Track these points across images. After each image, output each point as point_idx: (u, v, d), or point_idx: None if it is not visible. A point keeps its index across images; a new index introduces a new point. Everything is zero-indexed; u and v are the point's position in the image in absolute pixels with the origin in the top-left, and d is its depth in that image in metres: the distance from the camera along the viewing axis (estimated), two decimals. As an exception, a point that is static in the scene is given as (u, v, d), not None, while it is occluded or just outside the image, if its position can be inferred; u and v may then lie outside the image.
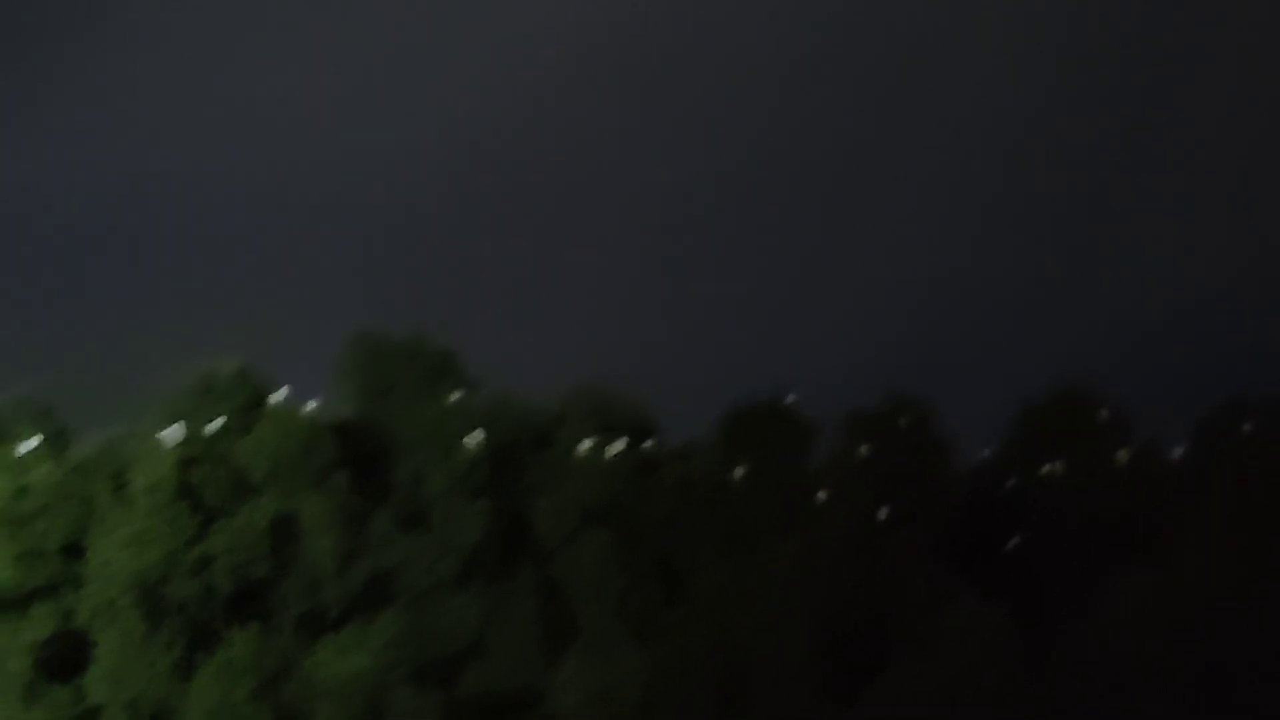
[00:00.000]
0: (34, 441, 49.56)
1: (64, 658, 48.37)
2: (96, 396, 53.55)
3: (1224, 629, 46.46)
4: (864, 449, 51.86)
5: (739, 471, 51.37)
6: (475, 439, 50.88)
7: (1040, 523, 51.49)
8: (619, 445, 51.19)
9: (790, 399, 52.82)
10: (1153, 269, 78.28)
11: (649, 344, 72.22)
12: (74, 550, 49.00)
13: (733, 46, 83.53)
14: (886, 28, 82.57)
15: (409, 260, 77.61)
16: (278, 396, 51.01)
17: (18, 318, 72.43)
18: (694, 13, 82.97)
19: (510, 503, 51.24)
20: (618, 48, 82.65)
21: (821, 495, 50.83)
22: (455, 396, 51.91)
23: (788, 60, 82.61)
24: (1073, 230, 79.53)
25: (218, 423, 50.20)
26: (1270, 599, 46.89)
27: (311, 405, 51.11)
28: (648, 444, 52.15)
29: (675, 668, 48.00)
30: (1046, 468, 51.84)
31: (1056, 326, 73.14)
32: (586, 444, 51.25)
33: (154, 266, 77.05)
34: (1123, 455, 51.66)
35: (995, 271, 77.46)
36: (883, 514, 50.01)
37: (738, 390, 53.17)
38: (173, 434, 49.61)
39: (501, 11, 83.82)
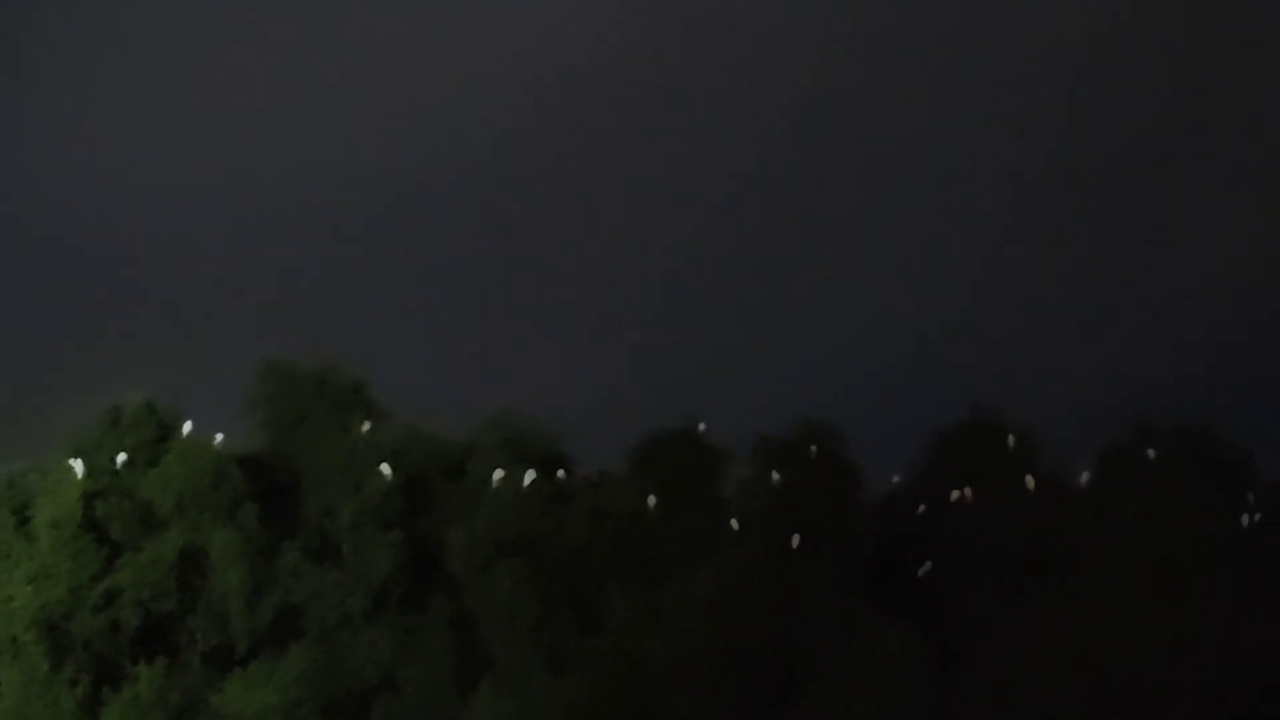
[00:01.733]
0: (-66, 475, 48.94)
1: (-34, 696, 47.67)
2: (-2, 430, 52.87)
3: (1127, 653, 46.84)
4: (776, 477, 51.96)
5: (651, 501, 51.33)
6: (386, 470, 50.59)
7: (950, 549, 51.75)
8: (531, 476, 51.05)
9: (702, 428, 52.89)
10: (1060, 298, 79.13)
11: (561, 375, 72.17)
12: (-24, 587, 48.33)
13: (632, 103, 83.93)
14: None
15: (318, 290, 77.22)
16: (185, 429, 50.56)
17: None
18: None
19: (422, 534, 50.98)
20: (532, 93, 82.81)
21: (734, 523, 50.85)
22: (366, 427, 51.64)
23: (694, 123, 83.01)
24: (980, 259, 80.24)
25: (123, 456, 49.69)
26: (1173, 623, 47.34)
27: (219, 437, 50.69)
28: (560, 474, 52.04)
29: (589, 697, 47.87)
30: (956, 494, 52.10)
31: (966, 354, 73.70)
32: (499, 474, 51.07)
33: (55, 298, 76.23)
34: (1030, 481, 52.01)
35: (904, 301, 78.05)
36: (795, 541, 50.10)
37: (650, 420, 53.21)
38: (77, 468, 49.05)
39: (405, 45, 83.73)
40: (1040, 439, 53.02)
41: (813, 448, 52.51)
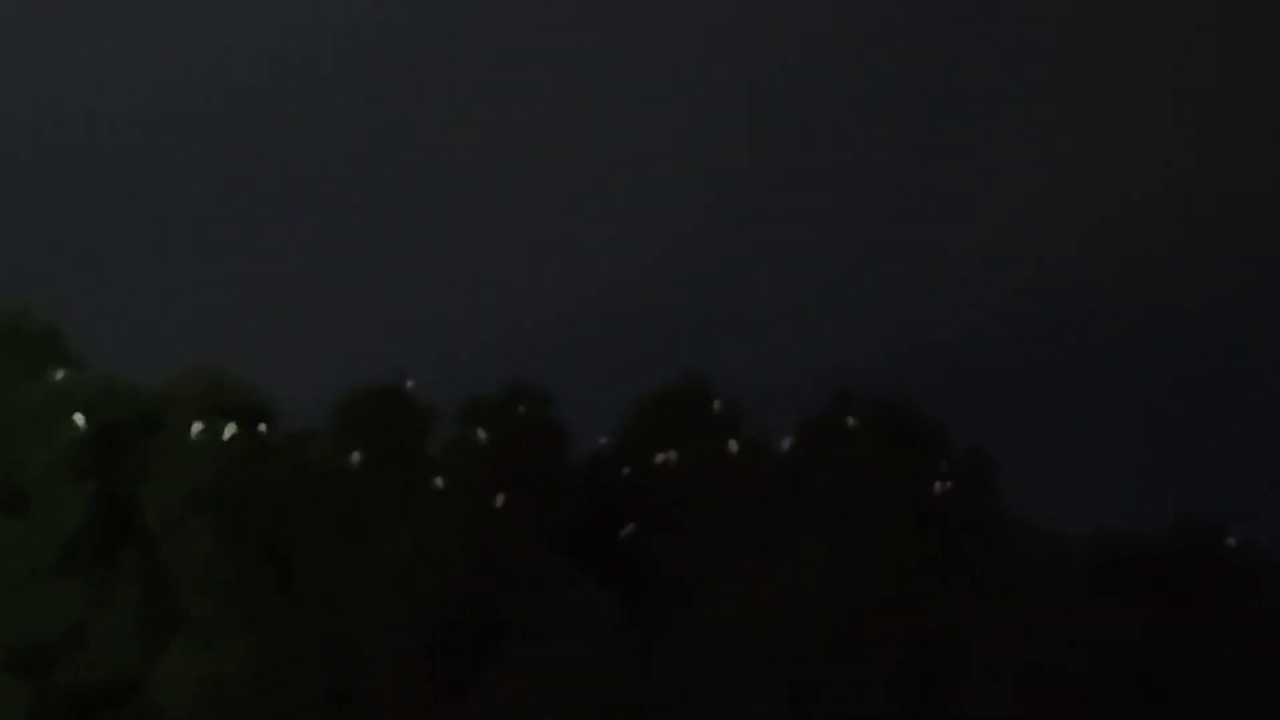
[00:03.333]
0: None
1: None
2: None
3: (816, 623, 47.77)
4: (482, 436, 51.73)
5: (355, 457, 50.69)
6: (79, 420, 49.15)
7: (653, 512, 52.15)
8: (231, 429, 50.01)
9: (408, 385, 52.37)
10: (770, 262, 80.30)
11: (265, 327, 70.92)
12: None
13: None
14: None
15: (12, 232, 74.61)
16: None
17: None
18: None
19: (116, 487, 49.66)
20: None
21: (438, 482, 50.50)
22: (59, 375, 50.10)
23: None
24: (694, 221, 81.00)
25: None
26: (865, 588, 48.43)
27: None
28: (262, 428, 51.08)
29: (284, 657, 47.18)
30: (660, 457, 52.49)
31: (675, 317, 74.37)
32: (197, 427, 49.93)
33: None
34: (734, 445, 52.65)
35: (617, 262, 78.40)
36: (499, 501, 49.96)
37: (355, 376, 52.51)
38: None
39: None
40: (745, 405, 53.74)
41: (520, 408, 52.39)
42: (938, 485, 51.87)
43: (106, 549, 49.33)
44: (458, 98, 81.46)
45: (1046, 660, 47.99)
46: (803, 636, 47.74)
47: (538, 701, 46.31)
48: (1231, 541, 52.50)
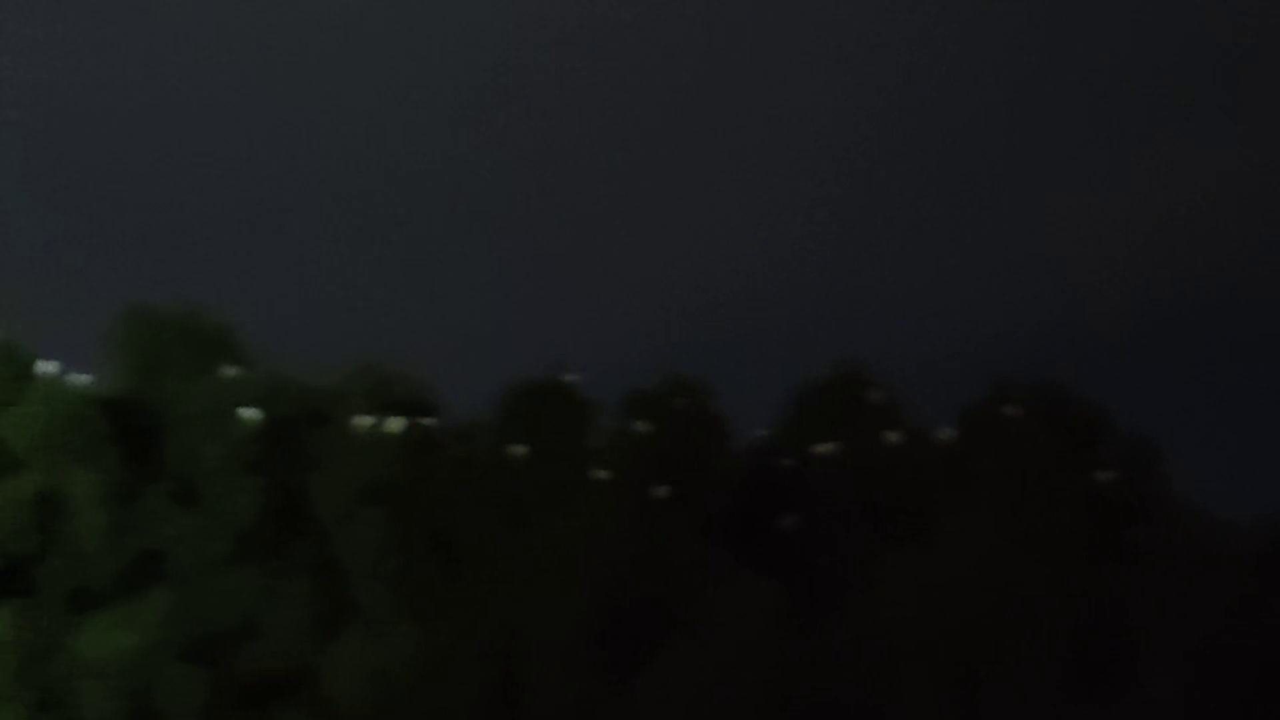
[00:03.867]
0: None
1: None
2: None
3: (981, 610, 47.59)
4: (642, 428, 52.19)
5: (518, 450, 51.37)
6: (250, 415, 50.24)
7: (813, 502, 52.29)
8: (398, 423, 50.89)
9: (570, 378, 52.96)
10: (928, 251, 79.94)
11: (430, 321, 71.94)
12: None
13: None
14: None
15: (184, 232, 76.40)
16: (46, 369, 49.93)
17: None
18: None
19: (287, 480, 50.68)
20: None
21: (600, 474, 51.01)
22: (231, 372, 51.21)
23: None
24: (848, 215, 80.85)
25: (-19, 396, 49.06)
26: (1026, 579, 48.18)
27: (82, 379, 50.10)
28: (427, 421, 51.91)
29: (452, 647, 47.91)
30: (820, 447, 52.61)
31: (832, 308, 74.28)
32: (365, 421, 50.87)
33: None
34: (893, 436, 52.63)
35: (774, 252, 78.49)
36: (660, 492, 50.36)
37: (517, 369, 53.19)
38: (-66, 407, 48.34)
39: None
40: (903, 394, 53.68)
41: (679, 400, 52.76)
42: (1101, 473, 51.50)
43: (278, 541, 50.33)
44: (621, 98, 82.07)
45: (1214, 646, 47.45)
46: (966, 625, 47.60)
47: (700, 689, 46.62)
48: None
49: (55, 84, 79.74)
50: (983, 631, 47.46)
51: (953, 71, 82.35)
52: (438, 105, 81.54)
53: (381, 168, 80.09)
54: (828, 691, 47.45)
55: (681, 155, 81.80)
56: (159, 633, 47.00)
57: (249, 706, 48.28)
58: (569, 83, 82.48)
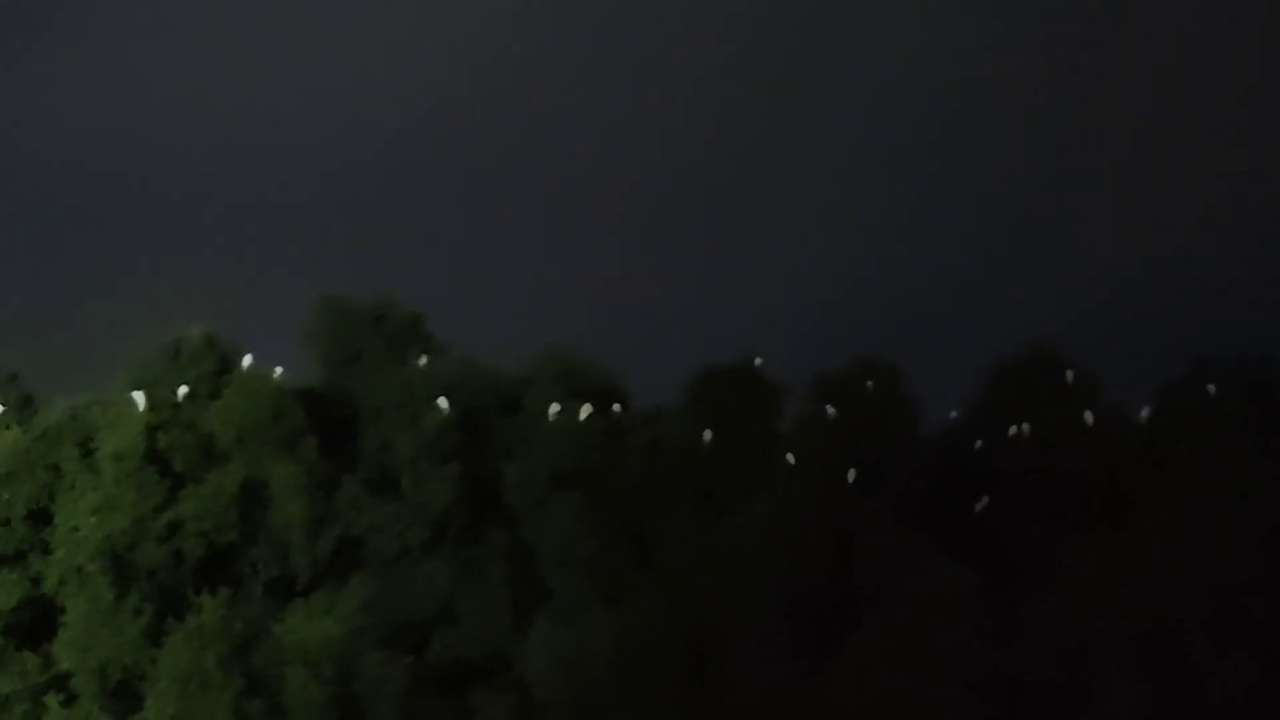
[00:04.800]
0: (-1, 409, 49.49)
1: (32, 624, 48.33)
2: (61, 363, 53.41)
3: (1183, 591, 46.73)
4: (831, 412, 51.97)
5: (707, 435, 51.44)
6: (443, 404, 50.87)
7: (1007, 484, 51.67)
8: (587, 410, 51.21)
9: (758, 362, 52.90)
10: (1118, 229, 78.63)
11: (617, 309, 72.28)
12: (41, 517, 48.92)
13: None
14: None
15: (374, 224, 77.52)
16: (245, 362, 50.95)
17: (-18, 284, 72.13)
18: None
19: (478, 468, 51.26)
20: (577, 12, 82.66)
21: (789, 458, 50.91)
22: (423, 361, 51.88)
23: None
24: (1035, 190, 79.79)
25: (184, 389, 50.12)
26: (1230, 561, 47.20)
27: (279, 371, 51.06)
28: (616, 408, 52.18)
29: (645, 631, 48.12)
30: (1013, 430, 51.99)
31: (1023, 288, 73.40)
32: (555, 408, 51.26)
33: (119, 232, 76.77)
34: (1089, 417, 51.83)
35: (961, 233, 77.72)
36: (850, 476, 50.13)
37: (705, 355, 53.22)
38: (140, 400, 49.51)
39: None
40: (1099, 374, 52.79)
41: (869, 383, 52.45)
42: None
43: (472, 528, 50.95)
44: (814, 88, 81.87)
45: None
46: (1166, 612, 46.77)
47: (893, 675, 46.35)
48: None
49: (243, 83, 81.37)
50: (1181, 620, 46.58)
51: (1112, 58, 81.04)
52: (632, 97, 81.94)
53: (569, 158, 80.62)
54: (1022, 680, 46.91)
55: (869, 138, 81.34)
56: (359, 620, 47.79)
57: (446, 693, 48.91)
58: (757, 75, 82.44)
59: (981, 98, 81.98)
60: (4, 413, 49.61)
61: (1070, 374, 52.57)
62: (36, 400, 50.92)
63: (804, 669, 47.29)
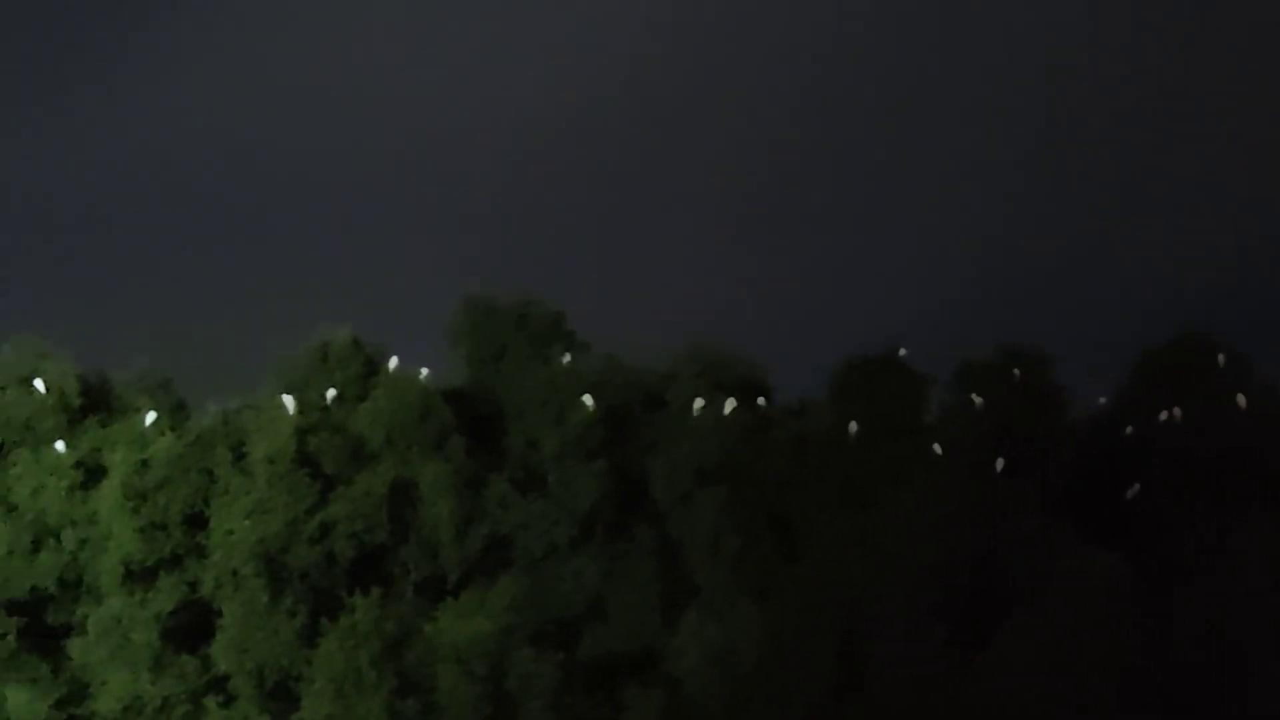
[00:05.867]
0: (153, 415, 50.30)
1: (190, 628, 49.17)
2: (212, 369, 54.28)
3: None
4: (978, 400, 51.54)
5: (853, 427, 51.21)
6: (588, 401, 51.07)
7: (1160, 470, 50.96)
8: (732, 404, 51.19)
9: (902, 353, 52.57)
10: (1268, 208, 77.24)
11: (759, 301, 72.18)
12: (196, 521, 49.74)
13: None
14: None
15: (514, 224, 78.00)
16: (391, 364, 51.48)
17: (134, 292, 73.47)
18: None
19: (624, 464, 51.42)
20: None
21: (936, 448, 50.57)
22: (566, 359, 52.13)
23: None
24: (1183, 171, 78.60)
25: (333, 392, 50.73)
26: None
27: (424, 372, 51.54)
28: (760, 402, 52.11)
29: (794, 625, 48.05)
30: (1164, 415, 51.25)
31: (1171, 270, 72.34)
32: (699, 403, 51.29)
33: (266, 237, 77.87)
34: (1242, 400, 50.96)
35: (1107, 216, 76.76)
36: (999, 465, 49.70)
37: (849, 346, 53.00)
38: (289, 404, 50.17)
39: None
40: (1252, 356, 51.90)
41: (1015, 370, 51.96)
42: None
43: (620, 524, 51.11)
44: (926, 76, 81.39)
45: None
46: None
47: (1044, 665, 45.91)
48: None
49: (392, 86, 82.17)
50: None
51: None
52: (773, 93, 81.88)
53: (709, 153, 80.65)
54: (1176, 671, 46.23)
55: (1011, 124, 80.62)
56: (509, 618, 48.12)
57: (596, 689, 49.12)
58: (896, 67, 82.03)
59: (1125, 79, 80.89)
60: (158, 419, 50.47)
61: (1222, 357, 51.71)
62: (189, 406, 51.78)
63: (954, 660, 46.95)
